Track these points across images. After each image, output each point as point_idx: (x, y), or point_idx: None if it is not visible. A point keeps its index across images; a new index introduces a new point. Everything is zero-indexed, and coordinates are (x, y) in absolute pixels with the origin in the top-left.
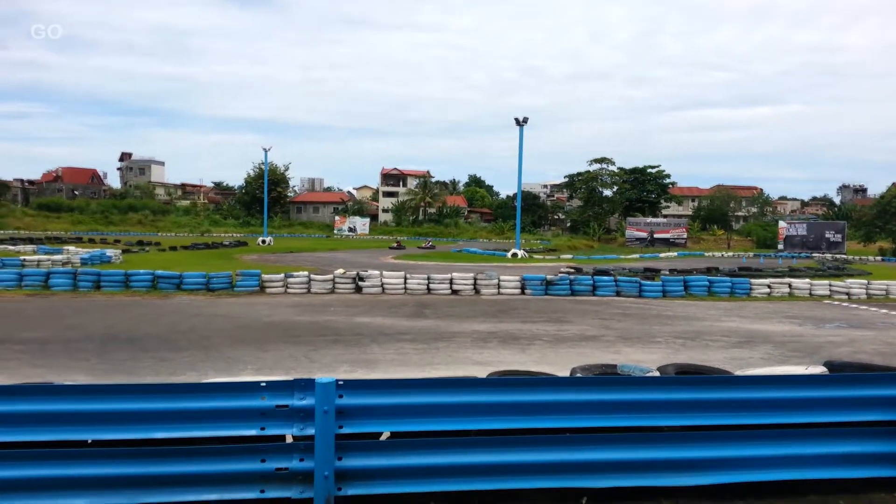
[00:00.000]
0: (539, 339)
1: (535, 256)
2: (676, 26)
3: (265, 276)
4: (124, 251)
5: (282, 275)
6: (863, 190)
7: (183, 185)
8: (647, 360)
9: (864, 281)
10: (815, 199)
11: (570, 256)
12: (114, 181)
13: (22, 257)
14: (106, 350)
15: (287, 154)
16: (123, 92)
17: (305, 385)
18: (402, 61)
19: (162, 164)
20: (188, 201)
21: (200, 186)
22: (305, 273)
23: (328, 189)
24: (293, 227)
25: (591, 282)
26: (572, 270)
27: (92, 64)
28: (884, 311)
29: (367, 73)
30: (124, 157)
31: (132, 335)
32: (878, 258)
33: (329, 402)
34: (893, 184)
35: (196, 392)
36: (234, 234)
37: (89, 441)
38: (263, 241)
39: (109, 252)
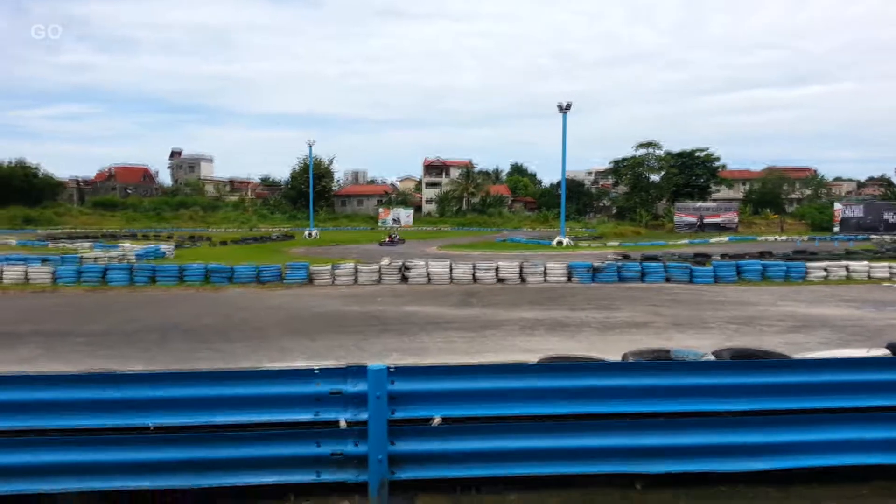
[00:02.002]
0: (587, 326)
1: (581, 244)
2: (721, 3)
3: (313, 268)
4: (177, 246)
5: (329, 266)
6: None
7: (231, 181)
8: (700, 345)
9: None
10: (871, 179)
11: (616, 243)
12: (165, 178)
13: (80, 254)
14: (164, 341)
15: (329, 148)
16: (169, 91)
17: (358, 371)
18: (434, 51)
19: (211, 160)
20: (236, 196)
21: (248, 182)
22: (352, 264)
23: (371, 181)
24: (338, 220)
25: (640, 268)
26: (619, 257)
27: (137, 64)
28: None
29: (401, 64)
30: (174, 154)
31: (188, 327)
32: None
33: (381, 387)
34: None
35: (252, 378)
36: (282, 228)
37: (151, 426)
38: (310, 234)
39: (163, 247)
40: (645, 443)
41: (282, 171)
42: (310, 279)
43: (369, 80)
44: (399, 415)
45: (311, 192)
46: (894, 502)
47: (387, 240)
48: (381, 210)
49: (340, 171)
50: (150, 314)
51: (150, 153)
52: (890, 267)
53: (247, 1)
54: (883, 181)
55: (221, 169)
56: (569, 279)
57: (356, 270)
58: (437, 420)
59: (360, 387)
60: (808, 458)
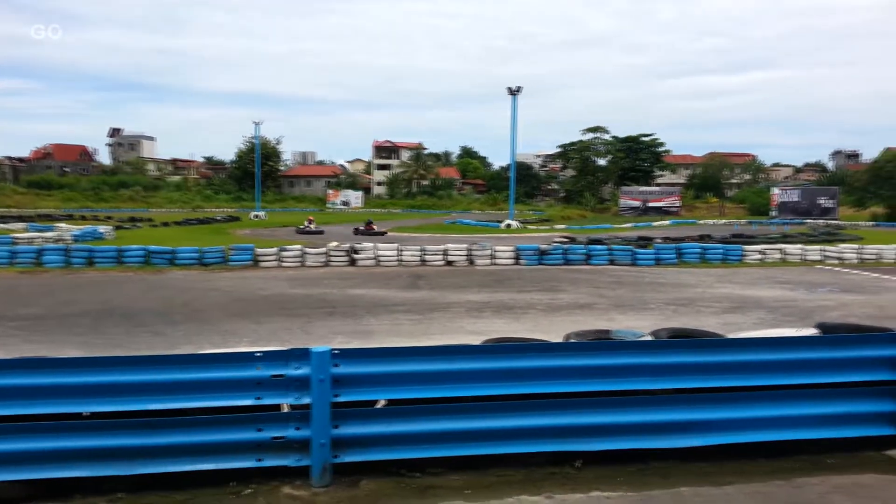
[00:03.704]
0: (533, 308)
1: (529, 227)
2: None
3: (259, 251)
4: (116, 228)
5: (275, 249)
6: (855, 155)
7: (174, 161)
8: (640, 326)
9: (857, 246)
10: (808, 165)
11: (563, 226)
12: (104, 158)
13: (13, 235)
14: (101, 325)
15: (278, 128)
16: (111, 66)
17: (301, 354)
18: (392, 31)
19: (153, 139)
20: (179, 177)
21: (192, 162)
22: (299, 247)
23: (320, 162)
24: (286, 202)
25: (585, 251)
26: (566, 240)
27: (79, 38)
28: (875, 275)
29: (357, 44)
30: (114, 132)
31: (127, 310)
32: (871, 223)
33: (325, 370)
34: (886, 149)
35: (190, 363)
36: (227, 210)
37: (85, 413)
38: (256, 216)
39: (101, 229)
40: (585, 421)
41: (228, 152)
42: (255, 262)
43: (324, 60)
44: (343, 398)
45: (257, 172)
46: (819, 474)
47: (364, 227)
48: (329, 191)
49: (289, 152)
50: (86, 297)
51: (91, 132)
52: (823, 250)
53: None
54: (818, 167)
55: (165, 149)
56: (516, 262)
57: (304, 253)
58: (381, 403)
59: (303, 370)
60: (741, 435)
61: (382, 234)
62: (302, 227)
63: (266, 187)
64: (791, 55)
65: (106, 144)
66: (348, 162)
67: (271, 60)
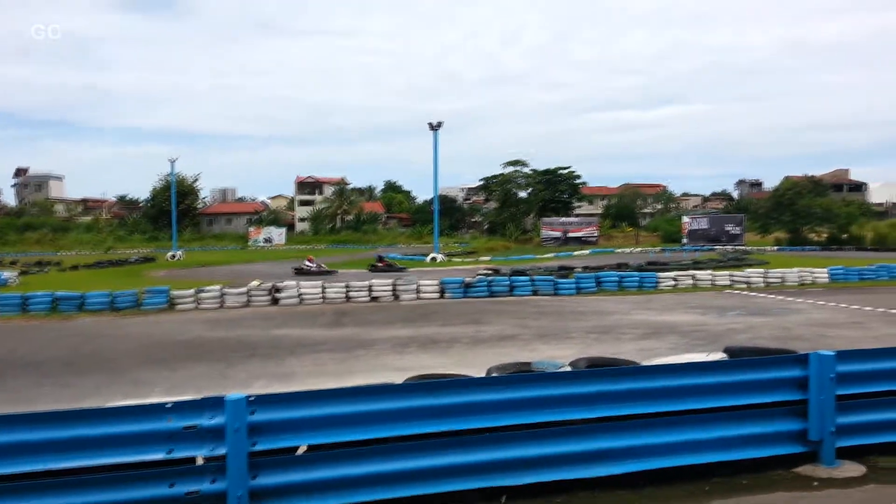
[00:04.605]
0: (458, 342)
1: (454, 259)
2: (588, 31)
3: (175, 292)
4: (22, 273)
5: (193, 290)
6: (758, 184)
7: (84, 201)
8: (562, 355)
9: (762, 270)
10: (715, 194)
11: (488, 258)
12: (9, 198)
13: None
14: (2, 377)
15: (197, 164)
16: (19, 103)
17: (215, 403)
18: (318, 67)
19: (60, 178)
20: (91, 217)
21: (103, 201)
22: (218, 287)
23: (241, 199)
24: (205, 240)
25: (509, 282)
26: (490, 272)
27: None
28: (780, 297)
29: (282, 79)
30: (19, 172)
31: (31, 360)
32: (775, 248)
33: (241, 419)
34: (786, 177)
35: (96, 418)
36: (142, 250)
37: None
38: (173, 256)
39: (6, 274)
40: (509, 455)
41: (143, 190)
42: (171, 304)
43: (247, 95)
44: (261, 446)
45: (174, 210)
46: (734, 496)
47: (378, 262)
48: (251, 229)
49: (207, 189)
50: None
51: None
52: (731, 275)
53: (112, 10)
54: (725, 195)
55: (75, 189)
56: (441, 295)
57: (223, 293)
58: (303, 448)
59: (218, 419)
60: (658, 460)
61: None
62: (304, 266)
63: (183, 226)
64: (699, 91)
65: (10, 185)
66: (270, 198)
67: (192, 96)
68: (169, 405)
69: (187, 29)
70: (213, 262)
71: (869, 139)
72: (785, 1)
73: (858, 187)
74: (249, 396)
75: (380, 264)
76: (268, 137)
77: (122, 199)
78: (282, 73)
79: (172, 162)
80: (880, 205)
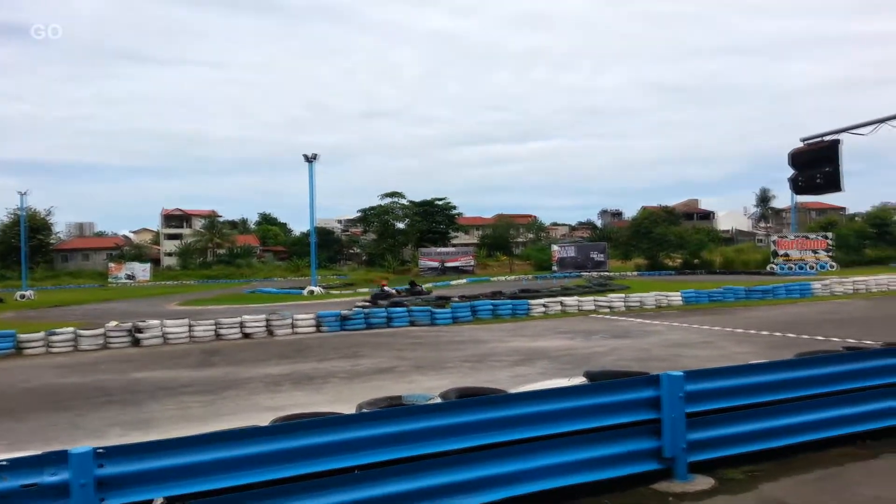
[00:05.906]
0: (334, 377)
1: (333, 292)
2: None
3: (22, 336)
4: None
5: (42, 333)
6: (619, 213)
7: None
8: (438, 386)
9: (623, 295)
10: (581, 223)
11: (367, 290)
12: None
13: None
14: None
15: (50, 198)
16: None
17: (57, 458)
18: (184, 98)
19: None
20: None
21: None
22: (71, 329)
23: (100, 234)
24: (59, 278)
25: (386, 314)
26: (368, 304)
27: None
28: (639, 320)
29: (146, 109)
30: None
31: None
32: (636, 273)
33: (87, 474)
34: (642, 207)
35: None
36: None
37: None
38: (23, 296)
39: None
40: (382, 492)
41: None
42: (18, 349)
43: (107, 126)
44: (111, 502)
45: (23, 246)
46: None
47: (380, 290)
48: (112, 265)
49: (62, 224)
50: None
51: None
52: (595, 300)
53: None
54: (589, 225)
55: None
56: (318, 329)
57: (76, 336)
58: (159, 502)
59: (61, 476)
60: (525, 486)
61: (428, 293)
62: (378, 290)
63: (35, 263)
64: (559, 128)
65: None
66: (133, 232)
67: (46, 126)
68: (4, 463)
69: (44, 56)
70: (67, 301)
71: (713, 172)
72: (634, 48)
73: (707, 216)
74: (97, 449)
75: (379, 289)
76: (130, 168)
77: None
78: (146, 103)
79: (23, 195)
80: (727, 231)
